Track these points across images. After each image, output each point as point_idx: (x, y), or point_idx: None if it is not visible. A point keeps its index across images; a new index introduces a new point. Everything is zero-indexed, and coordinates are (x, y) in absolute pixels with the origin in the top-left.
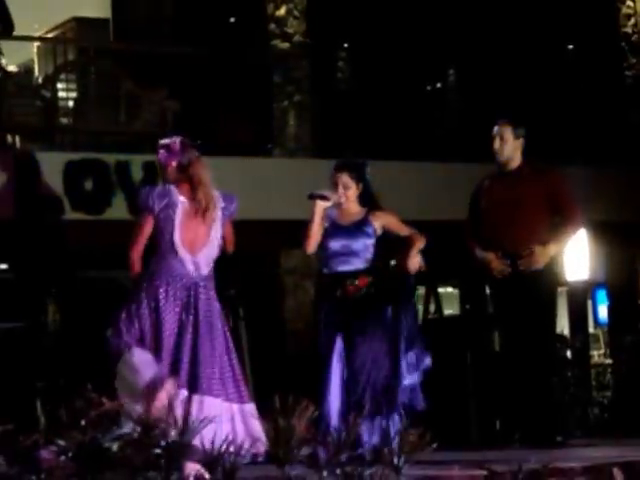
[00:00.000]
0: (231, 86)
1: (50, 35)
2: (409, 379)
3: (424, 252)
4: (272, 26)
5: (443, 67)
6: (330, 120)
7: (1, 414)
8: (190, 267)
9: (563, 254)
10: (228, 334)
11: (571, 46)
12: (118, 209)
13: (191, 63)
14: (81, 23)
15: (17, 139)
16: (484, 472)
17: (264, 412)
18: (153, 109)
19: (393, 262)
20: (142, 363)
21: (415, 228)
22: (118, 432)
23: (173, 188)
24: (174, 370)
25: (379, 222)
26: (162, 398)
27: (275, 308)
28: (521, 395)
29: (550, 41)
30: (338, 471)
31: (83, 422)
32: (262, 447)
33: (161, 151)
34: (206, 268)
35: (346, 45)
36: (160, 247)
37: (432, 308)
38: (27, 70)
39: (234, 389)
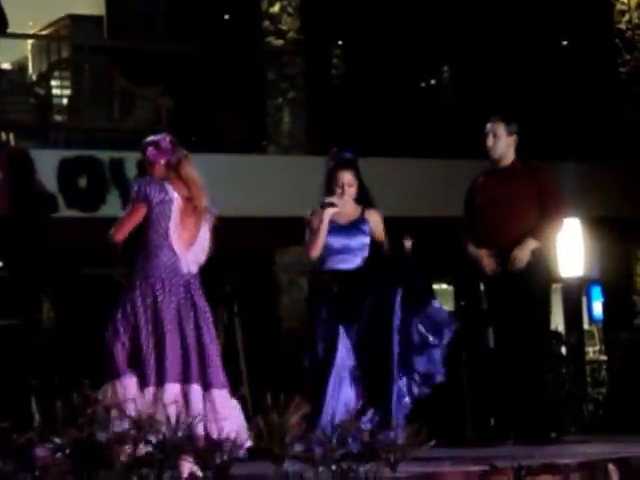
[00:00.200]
0: (225, 83)
1: (44, 32)
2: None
3: (417, 248)
4: (266, 23)
5: (437, 64)
6: (324, 117)
7: None
8: (183, 264)
9: (555, 250)
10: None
11: (565, 42)
12: (112, 206)
13: (185, 60)
14: (75, 20)
15: (11, 137)
16: (482, 468)
17: (259, 409)
18: (147, 106)
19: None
20: (127, 397)
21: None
22: (112, 429)
23: (168, 184)
24: (184, 366)
25: (372, 220)
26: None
27: (270, 305)
28: (516, 392)
29: (544, 37)
30: (334, 467)
31: (79, 419)
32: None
33: (149, 148)
34: (195, 266)
35: (340, 42)
36: (151, 242)
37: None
38: (21, 68)
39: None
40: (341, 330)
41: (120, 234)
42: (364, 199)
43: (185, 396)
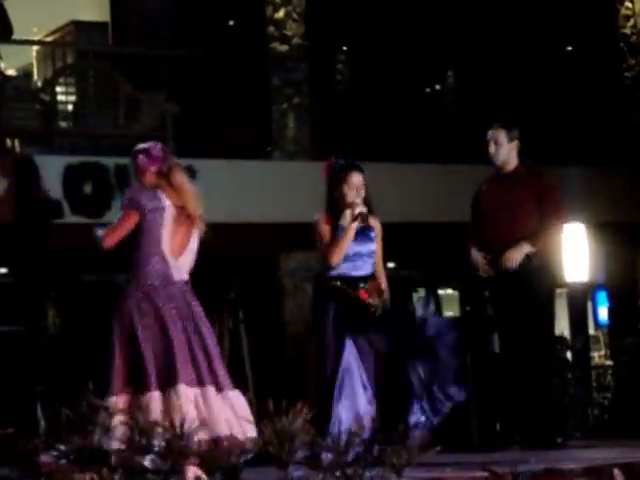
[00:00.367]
0: (230, 89)
1: (49, 39)
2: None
3: (425, 253)
4: (271, 29)
5: (442, 69)
6: (329, 122)
7: (1, 418)
8: (175, 271)
9: (560, 255)
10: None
11: (570, 47)
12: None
13: (190, 66)
14: (80, 27)
15: (16, 143)
16: (485, 474)
17: (264, 414)
18: (152, 112)
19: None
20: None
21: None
22: (117, 435)
23: (160, 192)
24: (195, 369)
25: (376, 228)
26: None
27: (275, 310)
28: (521, 397)
29: (549, 43)
30: (339, 473)
31: (85, 426)
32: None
33: (140, 156)
34: (186, 273)
35: (345, 48)
36: (143, 249)
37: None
38: (26, 74)
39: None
40: (348, 336)
41: (110, 240)
42: (369, 206)
43: (203, 398)
